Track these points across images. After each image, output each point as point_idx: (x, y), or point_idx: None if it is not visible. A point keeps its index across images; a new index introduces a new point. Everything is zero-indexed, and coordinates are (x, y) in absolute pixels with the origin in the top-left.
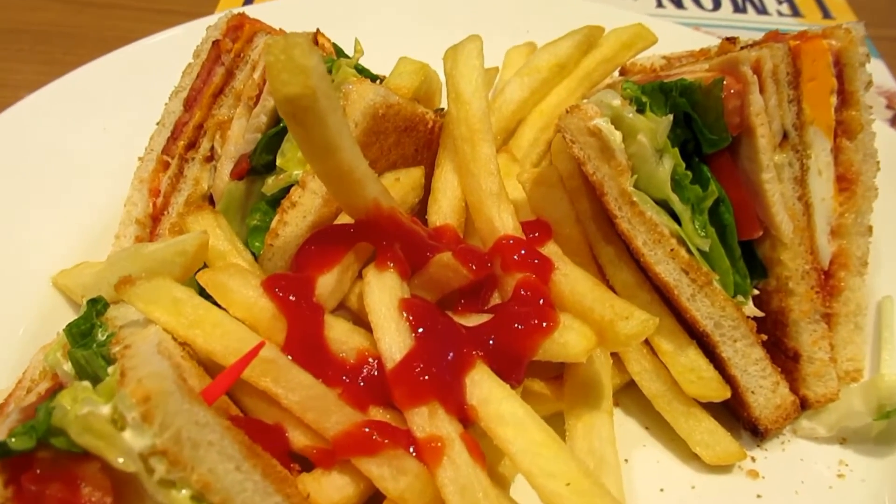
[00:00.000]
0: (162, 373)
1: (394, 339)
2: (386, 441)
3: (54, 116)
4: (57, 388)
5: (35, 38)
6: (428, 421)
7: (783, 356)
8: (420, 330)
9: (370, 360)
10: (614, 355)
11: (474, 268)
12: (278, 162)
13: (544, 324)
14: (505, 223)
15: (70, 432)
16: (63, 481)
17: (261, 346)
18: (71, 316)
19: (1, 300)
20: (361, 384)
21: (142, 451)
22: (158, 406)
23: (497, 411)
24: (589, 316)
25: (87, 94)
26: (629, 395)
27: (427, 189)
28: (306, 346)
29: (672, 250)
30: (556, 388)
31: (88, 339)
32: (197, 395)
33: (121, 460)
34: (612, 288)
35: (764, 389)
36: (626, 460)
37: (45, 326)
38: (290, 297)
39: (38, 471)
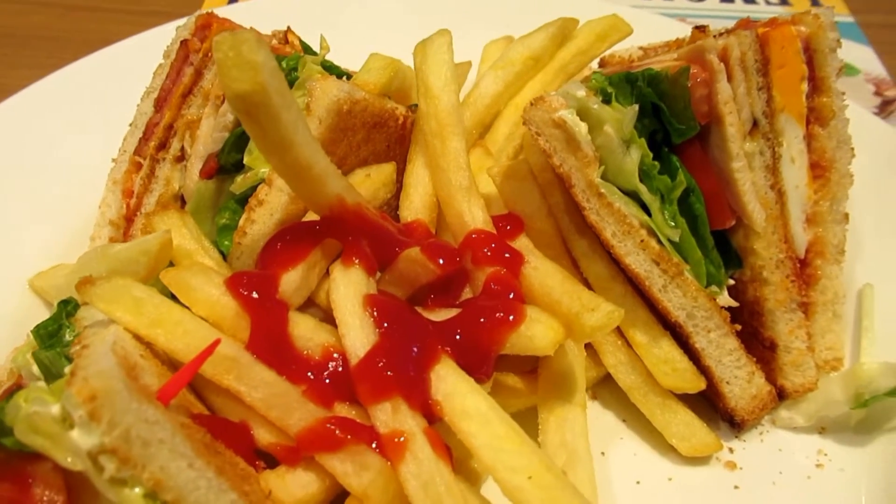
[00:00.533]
0: (108, 371)
1: (357, 335)
2: (349, 437)
3: (31, 119)
4: (15, 389)
5: (20, 42)
6: (391, 416)
7: (760, 346)
8: (385, 325)
9: (335, 356)
10: (590, 348)
11: (442, 262)
12: (245, 160)
13: (510, 317)
14: (475, 217)
15: (16, 431)
16: (13, 481)
17: (217, 343)
18: (46, 317)
19: None
20: (326, 381)
21: (90, 450)
22: (105, 405)
23: (461, 406)
24: (557, 308)
25: (62, 97)
26: (607, 387)
27: (400, 184)
28: (270, 344)
29: (642, 241)
30: (530, 381)
31: (54, 339)
32: (147, 394)
33: (69, 459)
34: (585, 281)
35: (739, 380)
36: (602, 453)
37: (21, 329)
38: (254, 295)
39: None
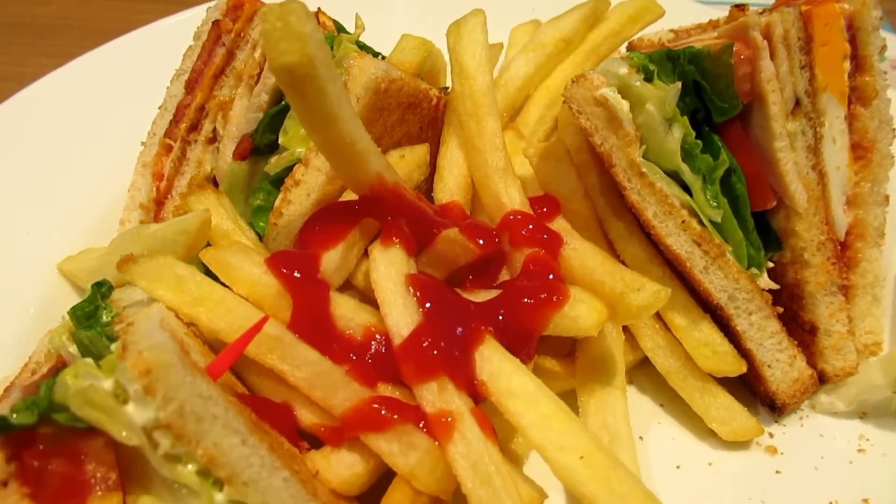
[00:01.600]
0: (163, 345)
1: (401, 315)
2: (395, 417)
3: (58, 104)
4: (60, 367)
5: (40, 31)
6: (437, 396)
7: (800, 330)
8: (427, 305)
9: (377, 336)
10: (627, 332)
11: (482, 242)
12: (281, 140)
13: (554, 297)
14: (512, 198)
15: (71, 406)
16: (66, 457)
17: (264, 320)
18: (77, 301)
19: (7, 287)
20: (369, 361)
21: (145, 425)
22: (160, 378)
23: (507, 386)
24: (599, 289)
25: (90, 82)
26: (643, 372)
27: (433, 167)
28: (312, 323)
29: (683, 222)
30: (568, 365)
31: (93, 320)
32: (200, 369)
33: (124, 434)
34: (622, 263)
35: (781, 363)
36: (640, 438)
37: (51, 313)
38: (295, 274)
39: (41, 446)
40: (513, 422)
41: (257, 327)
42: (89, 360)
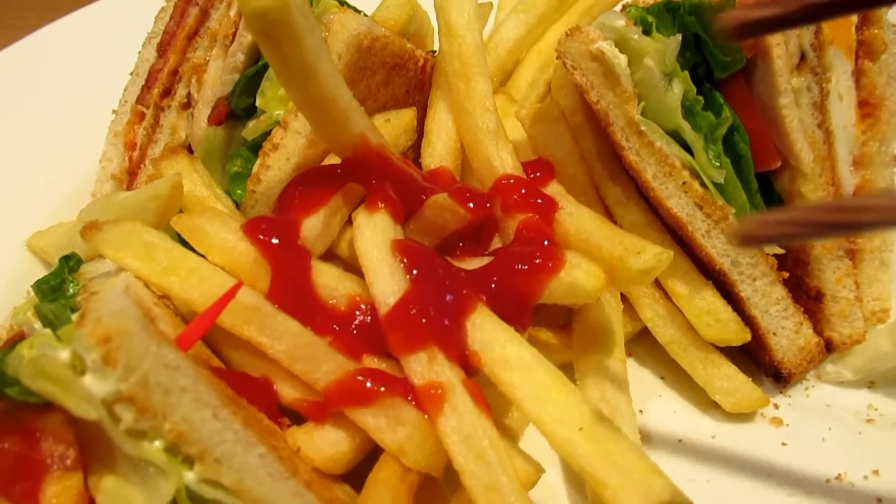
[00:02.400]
0: (124, 310)
1: (387, 283)
2: (382, 389)
3: (25, 74)
4: (17, 340)
5: (9, 3)
6: (427, 367)
7: (805, 296)
8: (415, 272)
9: (362, 306)
10: (625, 302)
11: (472, 207)
12: (258, 103)
13: (550, 263)
14: (504, 162)
15: (22, 378)
16: (19, 434)
17: (238, 286)
18: None
19: None
20: (354, 332)
21: (105, 398)
22: (121, 347)
23: (501, 355)
24: (597, 254)
25: (57, 50)
26: (642, 343)
27: (420, 132)
28: (293, 293)
29: (684, 183)
30: (565, 336)
31: (58, 293)
32: (167, 337)
33: (81, 407)
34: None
35: (786, 331)
36: (640, 411)
37: (20, 291)
38: (274, 241)
39: None
40: (507, 393)
41: (230, 294)
42: (47, 331)
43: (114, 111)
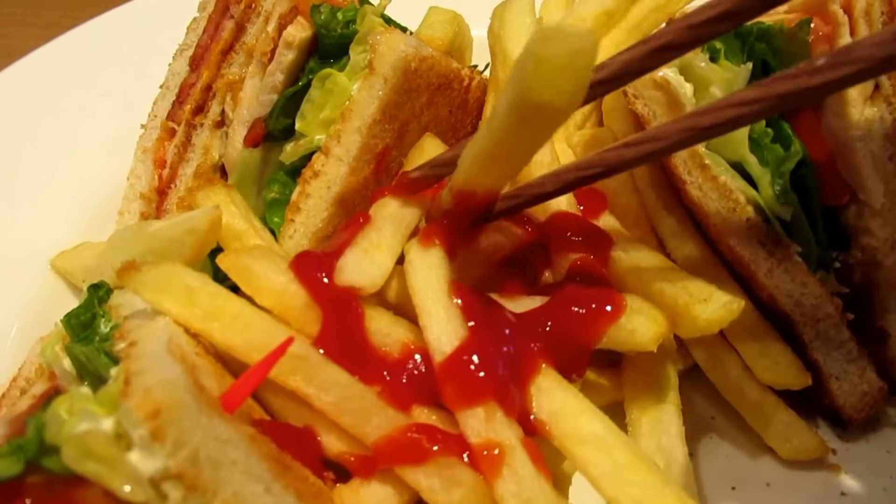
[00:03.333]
0: (174, 381)
1: (443, 328)
2: (436, 448)
3: (48, 82)
4: (52, 393)
5: (31, 0)
6: (484, 424)
7: (867, 336)
8: (474, 318)
9: (416, 355)
10: (677, 338)
11: (529, 229)
12: (298, 126)
13: (608, 307)
14: (558, 198)
15: (65, 457)
16: None
17: (289, 342)
18: (72, 301)
19: None
20: (404, 381)
21: (152, 476)
22: (171, 422)
23: (573, 428)
24: (657, 298)
25: (83, 57)
26: (692, 379)
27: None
28: (344, 339)
29: (748, 220)
30: (615, 376)
31: (90, 331)
32: (216, 406)
33: (127, 488)
34: (673, 262)
35: (850, 375)
36: (691, 454)
37: (44, 313)
38: (325, 281)
39: (29, 500)
40: (581, 470)
41: (281, 349)
42: (86, 391)
43: (142, 126)
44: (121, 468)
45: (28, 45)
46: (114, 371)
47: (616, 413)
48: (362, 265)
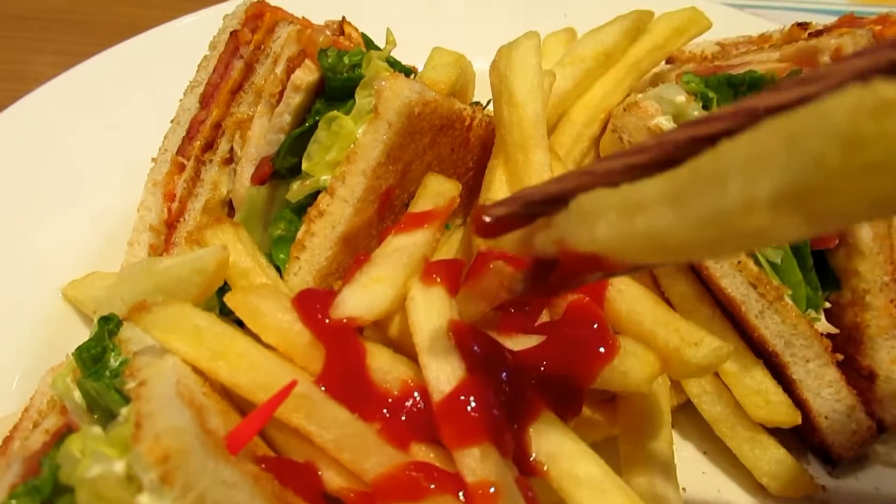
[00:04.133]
0: (183, 427)
1: (442, 367)
2: (433, 486)
3: (61, 113)
4: (64, 431)
5: (43, 26)
6: (480, 464)
7: (856, 375)
8: (471, 358)
9: (415, 393)
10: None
11: None
12: (304, 166)
13: (601, 349)
14: None
15: (78, 498)
16: None
17: (293, 385)
18: (82, 330)
19: (8, 313)
20: (403, 418)
21: None
22: (179, 466)
23: (570, 470)
24: (651, 340)
25: (95, 89)
26: (685, 414)
27: (468, 189)
28: (346, 377)
29: (739, 262)
30: (609, 412)
31: (100, 364)
32: (222, 449)
33: None
34: (667, 302)
35: (838, 414)
36: (684, 489)
37: (55, 342)
38: (327, 321)
39: None
40: None
41: (285, 392)
42: (98, 431)
43: (153, 159)
44: None
45: (42, 71)
46: (124, 410)
47: (610, 448)
48: (360, 297)
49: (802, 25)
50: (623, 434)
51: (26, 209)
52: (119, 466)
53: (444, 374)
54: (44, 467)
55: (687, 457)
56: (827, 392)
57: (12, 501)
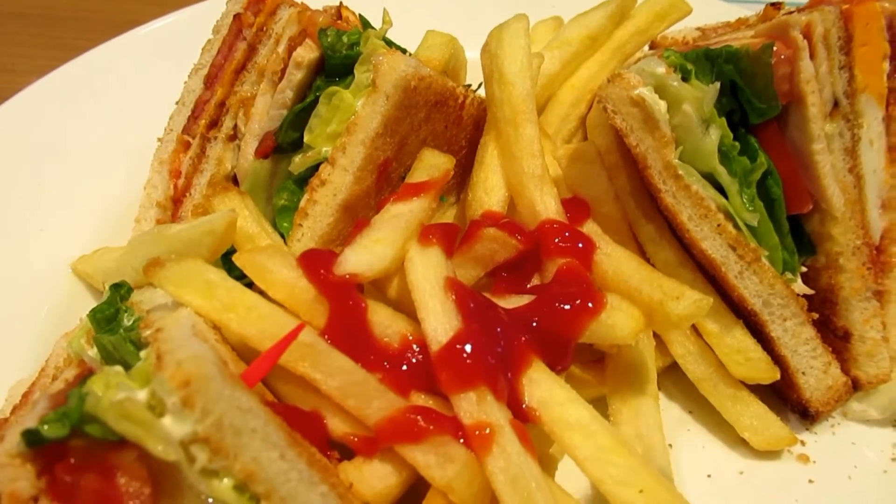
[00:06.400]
0: (202, 355)
1: (439, 320)
2: (432, 427)
3: (70, 98)
4: (86, 374)
5: (45, 22)
6: (476, 406)
7: (832, 335)
8: (467, 311)
9: (413, 345)
10: (656, 337)
11: (521, 238)
12: (306, 139)
13: (590, 304)
14: (547, 207)
15: (107, 419)
16: (98, 471)
17: (301, 328)
18: (92, 303)
19: (20, 288)
20: (403, 369)
21: (182, 439)
22: (199, 390)
23: (561, 415)
24: (636, 297)
25: (102, 76)
26: (671, 377)
27: (461, 167)
28: (348, 330)
29: (719, 225)
30: (598, 372)
31: (114, 324)
32: (238, 379)
33: (160, 448)
34: (652, 266)
35: (815, 370)
36: (670, 445)
37: (66, 314)
38: (328, 272)
39: (72, 460)
40: (568, 453)
41: (293, 335)
42: (119, 369)
43: (159, 139)
44: (155, 431)
45: (44, 66)
46: (142, 354)
47: (599, 407)
48: (362, 256)
49: (776, 5)
50: (611, 391)
51: (37, 192)
52: (142, 395)
53: (441, 327)
54: (71, 398)
55: (673, 417)
56: (804, 349)
57: (44, 427)
